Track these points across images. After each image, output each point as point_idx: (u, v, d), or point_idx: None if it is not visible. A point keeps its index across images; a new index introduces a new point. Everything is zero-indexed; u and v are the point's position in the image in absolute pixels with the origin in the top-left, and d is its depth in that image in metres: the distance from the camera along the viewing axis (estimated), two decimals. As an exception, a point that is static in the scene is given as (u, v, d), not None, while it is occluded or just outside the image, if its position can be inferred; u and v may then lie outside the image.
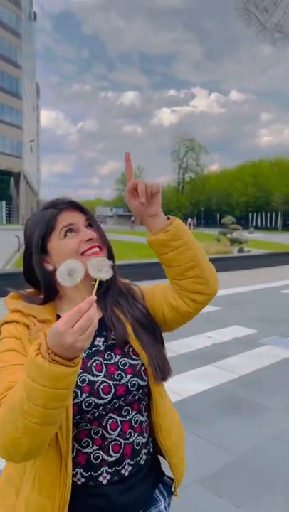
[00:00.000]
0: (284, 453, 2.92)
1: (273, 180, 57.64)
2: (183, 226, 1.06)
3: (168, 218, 1.06)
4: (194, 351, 5.12)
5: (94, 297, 0.76)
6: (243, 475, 2.67)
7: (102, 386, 0.98)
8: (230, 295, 9.07)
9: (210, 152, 75.63)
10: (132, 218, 54.60)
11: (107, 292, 1.10)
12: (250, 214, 60.99)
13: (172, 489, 1.17)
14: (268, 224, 58.53)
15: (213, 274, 1.10)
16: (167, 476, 1.18)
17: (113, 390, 0.99)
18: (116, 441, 1.00)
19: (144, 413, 1.08)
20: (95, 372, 0.99)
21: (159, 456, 1.16)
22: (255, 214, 61.22)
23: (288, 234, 43.90)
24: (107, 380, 0.99)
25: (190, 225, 54.59)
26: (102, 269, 0.88)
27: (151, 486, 1.11)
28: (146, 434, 1.09)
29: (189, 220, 56.76)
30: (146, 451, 1.09)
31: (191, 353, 5.06)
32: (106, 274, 0.88)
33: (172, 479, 1.17)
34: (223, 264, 12.18)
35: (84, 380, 0.97)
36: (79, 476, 0.98)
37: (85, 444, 0.98)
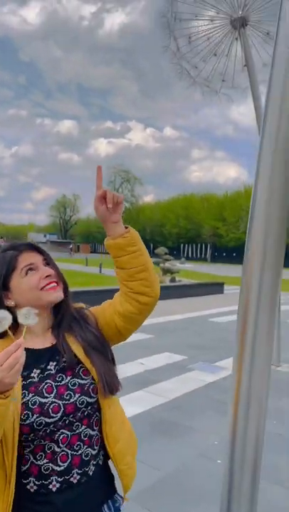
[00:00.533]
0: (207, 469, 3.19)
1: (203, 214, 60.54)
2: (138, 235, 1.21)
3: (126, 227, 1.20)
4: (128, 377, 5.30)
5: (21, 340, 0.91)
6: (171, 490, 2.89)
7: (51, 406, 1.08)
8: (162, 323, 9.42)
9: (145, 184, 77.91)
10: (70, 245, 53.83)
11: (61, 321, 1.21)
12: (182, 245, 63.23)
13: (121, 508, 1.25)
14: (198, 255, 61.06)
15: (156, 279, 1.26)
16: (118, 494, 1.25)
17: (62, 409, 1.09)
18: (64, 452, 1.10)
19: (94, 427, 1.17)
20: (46, 395, 1.09)
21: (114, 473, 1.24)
22: (186, 245, 63.59)
23: (216, 265, 46.16)
24: (56, 400, 1.09)
25: (124, 253, 55.08)
26: (29, 317, 1.03)
27: (100, 500, 1.19)
28: (96, 447, 1.17)
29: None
30: (95, 462, 1.16)
31: (124, 379, 5.20)
32: (32, 320, 1.04)
33: (122, 497, 1.26)
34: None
35: (35, 403, 1.08)
36: (32, 484, 1.09)
37: (38, 457, 1.09)
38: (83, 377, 1.15)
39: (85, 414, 1.14)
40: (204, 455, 3.40)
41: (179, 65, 6.08)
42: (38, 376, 1.12)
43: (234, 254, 53.00)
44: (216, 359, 6.46)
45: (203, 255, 60.46)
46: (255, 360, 1.23)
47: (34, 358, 1.14)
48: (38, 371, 1.13)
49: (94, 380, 1.15)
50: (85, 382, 1.14)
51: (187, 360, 6.32)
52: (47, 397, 1.09)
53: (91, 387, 1.14)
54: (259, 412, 1.27)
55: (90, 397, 1.14)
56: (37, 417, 1.06)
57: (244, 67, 5.85)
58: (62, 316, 1.22)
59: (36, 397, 1.09)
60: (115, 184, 75.16)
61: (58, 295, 1.17)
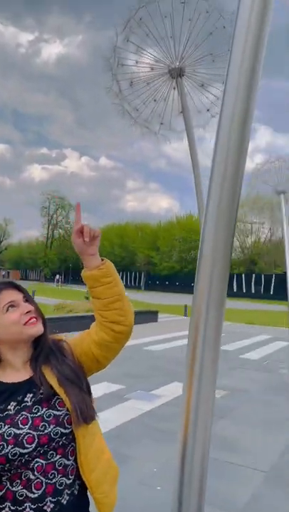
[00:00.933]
0: (148, 496, 3.29)
1: (137, 242, 61.55)
2: (113, 267, 1.28)
3: (102, 259, 1.27)
4: (65, 409, 5.25)
5: None
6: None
7: (26, 437, 1.13)
8: (98, 353, 9.38)
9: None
10: (3, 273, 51.46)
11: (39, 354, 1.27)
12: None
13: None
14: (133, 283, 61.62)
15: (130, 308, 1.31)
16: None
17: (36, 440, 1.14)
18: (38, 480, 1.14)
19: (70, 457, 1.20)
20: (21, 426, 1.14)
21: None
22: (121, 273, 63.95)
23: (150, 293, 46.87)
24: (31, 432, 1.14)
25: (57, 281, 54.04)
26: None
27: None
28: (71, 477, 1.20)
29: (57, 276, 56.34)
30: (69, 492, 1.19)
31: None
32: None
33: None
34: (92, 322, 12.50)
35: (10, 434, 1.13)
36: (7, 509, 1.13)
37: (15, 484, 1.14)
38: (59, 408, 1.19)
39: (60, 444, 1.18)
40: (144, 483, 3.50)
41: (121, 106, 6.46)
42: (14, 408, 1.18)
43: (167, 283, 54.29)
44: (151, 387, 6.61)
45: (137, 283, 61.12)
46: (202, 386, 1.32)
47: (12, 391, 1.21)
48: (15, 403, 1.18)
49: (69, 410, 1.19)
50: (60, 413, 1.19)
51: (124, 390, 6.39)
52: (22, 429, 1.14)
53: (66, 418, 1.19)
54: (204, 437, 1.38)
55: (65, 427, 1.18)
56: (11, 448, 1.11)
57: (180, 113, 6.36)
58: (41, 349, 1.28)
59: (12, 428, 1.14)
60: (49, 210, 74.17)
61: (38, 329, 1.24)
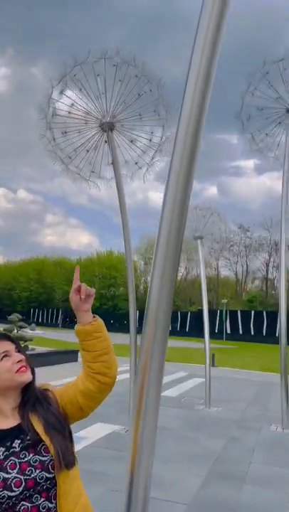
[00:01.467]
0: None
1: (56, 278, 59.93)
2: (103, 323, 1.44)
3: (94, 316, 1.43)
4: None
5: None
6: None
7: (14, 481, 1.21)
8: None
9: (-6, 244, 73.83)
10: None
11: (27, 401, 1.38)
12: (32, 309, 60.99)
13: None
14: (49, 320, 59.47)
15: (115, 361, 1.45)
16: None
17: (23, 484, 1.21)
18: None
19: (53, 500, 1.27)
20: (9, 471, 1.22)
21: None
22: (37, 310, 61.56)
23: (67, 331, 45.74)
24: (19, 476, 1.22)
25: None
26: None
27: None
28: None
29: None
30: None
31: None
32: None
33: None
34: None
35: None
36: None
37: None
38: (44, 454, 1.29)
39: (44, 487, 1.27)
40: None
41: (54, 153, 6.77)
42: (3, 454, 1.27)
43: (85, 320, 53.32)
44: (75, 429, 6.40)
45: (54, 321, 59.23)
46: (147, 421, 1.56)
47: (1, 437, 1.30)
48: (4, 449, 1.28)
49: (53, 456, 1.29)
50: (45, 459, 1.28)
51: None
52: (10, 473, 1.23)
53: (50, 463, 1.28)
54: (147, 465, 1.58)
55: (49, 472, 1.27)
56: (0, 491, 1.20)
57: (111, 164, 6.84)
58: (29, 396, 1.40)
59: (1, 473, 1.23)
60: None
61: (28, 376, 1.38)
